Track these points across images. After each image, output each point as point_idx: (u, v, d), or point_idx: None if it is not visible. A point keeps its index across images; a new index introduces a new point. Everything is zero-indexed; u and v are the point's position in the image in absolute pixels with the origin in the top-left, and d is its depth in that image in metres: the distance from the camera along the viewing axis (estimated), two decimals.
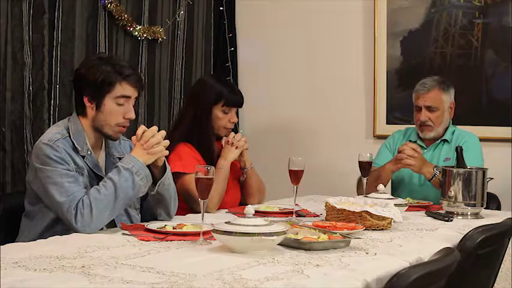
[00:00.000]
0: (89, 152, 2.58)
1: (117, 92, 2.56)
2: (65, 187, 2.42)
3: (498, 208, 3.57)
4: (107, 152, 2.69)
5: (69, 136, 2.55)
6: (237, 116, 3.32)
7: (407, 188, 3.59)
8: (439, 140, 3.58)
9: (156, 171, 2.58)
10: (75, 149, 2.54)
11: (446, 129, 3.59)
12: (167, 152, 2.56)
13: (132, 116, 2.60)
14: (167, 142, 2.54)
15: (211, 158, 3.15)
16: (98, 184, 2.47)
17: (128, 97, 2.58)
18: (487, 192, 3.11)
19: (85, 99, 2.58)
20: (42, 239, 2.27)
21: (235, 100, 3.23)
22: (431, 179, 3.32)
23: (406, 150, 3.33)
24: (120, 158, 2.65)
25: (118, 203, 2.43)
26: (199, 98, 3.21)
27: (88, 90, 2.57)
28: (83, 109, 2.60)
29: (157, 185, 2.57)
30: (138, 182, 2.46)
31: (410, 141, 3.58)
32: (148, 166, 2.52)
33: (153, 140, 2.50)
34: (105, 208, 2.40)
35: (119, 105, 2.57)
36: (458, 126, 3.64)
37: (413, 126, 3.69)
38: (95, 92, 2.56)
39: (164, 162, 2.60)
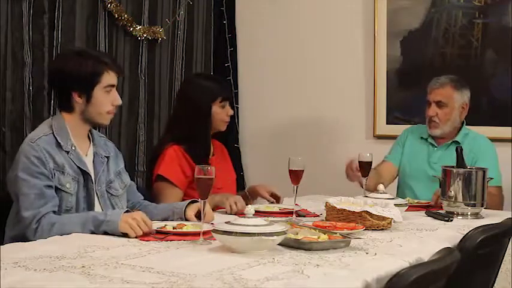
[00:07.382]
0: (73, 148, 2.59)
1: (105, 82, 2.60)
2: (30, 200, 2.43)
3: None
4: (94, 151, 2.70)
5: (53, 133, 2.57)
6: (233, 109, 3.36)
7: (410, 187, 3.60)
8: (451, 141, 3.55)
9: None
10: (58, 145, 2.55)
11: (459, 130, 3.58)
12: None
13: (119, 102, 2.66)
14: None
15: (207, 154, 3.15)
16: (83, 178, 2.54)
17: (114, 85, 2.64)
18: None
19: (74, 95, 2.60)
20: (42, 239, 2.27)
21: (229, 93, 3.41)
22: None
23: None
24: (107, 157, 2.69)
25: (74, 230, 2.39)
26: (194, 99, 3.18)
27: (76, 86, 2.59)
28: (69, 105, 2.62)
29: None
30: (102, 228, 2.38)
31: (422, 138, 3.61)
32: None
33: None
34: (64, 230, 2.37)
35: (107, 93, 2.62)
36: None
37: (418, 124, 3.75)
38: (84, 85, 2.58)
39: None
